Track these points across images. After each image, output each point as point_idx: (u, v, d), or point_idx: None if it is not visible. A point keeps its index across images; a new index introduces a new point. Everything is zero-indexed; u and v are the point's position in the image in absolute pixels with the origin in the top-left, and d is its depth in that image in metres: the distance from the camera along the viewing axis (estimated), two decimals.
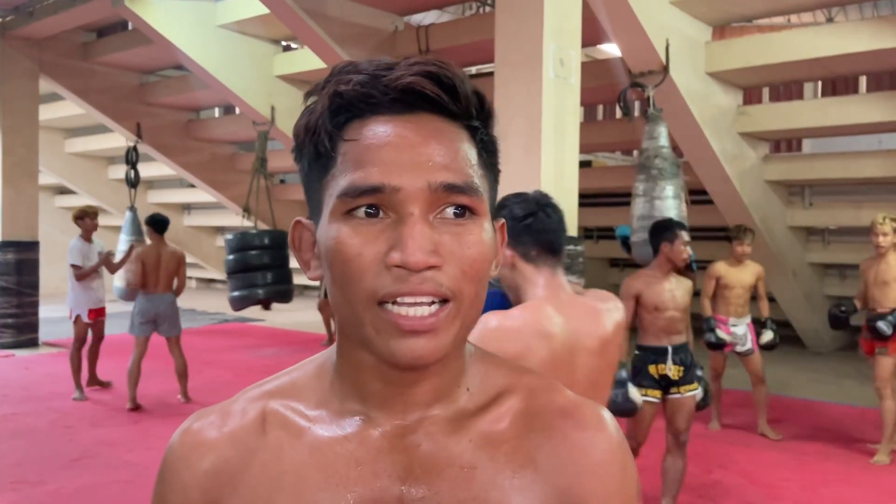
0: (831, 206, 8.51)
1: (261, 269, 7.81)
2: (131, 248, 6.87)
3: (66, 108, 13.08)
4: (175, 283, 6.28)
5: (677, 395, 3.69)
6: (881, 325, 4.64)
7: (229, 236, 8.10)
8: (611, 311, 1.74)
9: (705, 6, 6.66)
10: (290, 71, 9.32)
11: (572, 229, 4.26)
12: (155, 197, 15.87)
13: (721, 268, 5.39)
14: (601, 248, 10.95)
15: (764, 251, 7.99)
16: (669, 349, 3.69)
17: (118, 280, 8.19)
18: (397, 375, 0.64)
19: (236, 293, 7.81)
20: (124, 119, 10.87)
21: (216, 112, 12.84)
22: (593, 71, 7.51)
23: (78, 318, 6.52)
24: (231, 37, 8.89)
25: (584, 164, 10.18)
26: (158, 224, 6.23)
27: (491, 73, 4.51)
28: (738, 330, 5.32)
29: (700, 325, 5.18)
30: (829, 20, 10.69)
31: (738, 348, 5.35)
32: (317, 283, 14.97)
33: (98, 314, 6.62)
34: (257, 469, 0.66)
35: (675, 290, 3.67)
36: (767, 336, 5.30)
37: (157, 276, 6.15)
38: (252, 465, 0.66)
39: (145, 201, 15.41)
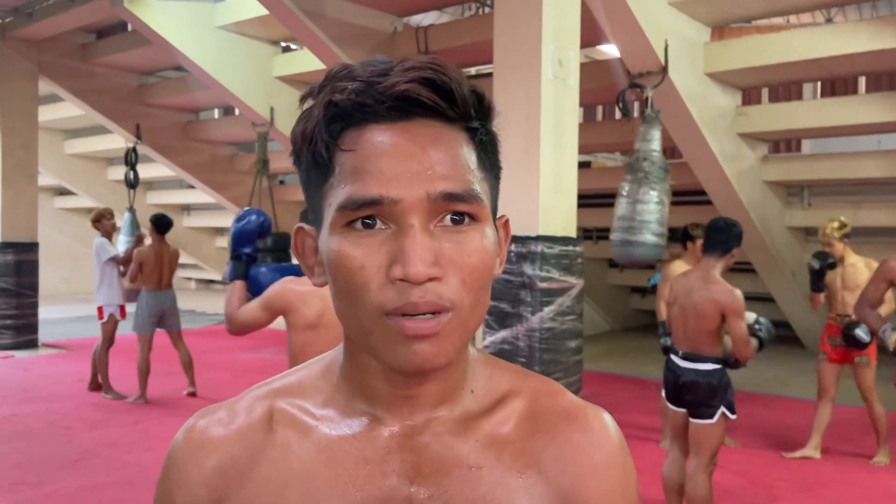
0: (830, 206, 8.51)
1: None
2: (140, 240, 6.96)
3: (66, 110, 13.10)
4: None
5: None
6: (859, 332, 4.40)
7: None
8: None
9: (704, 7, 6.67)
10: (290, 72, 9.33)
11: (571, 230, 4.27)
12: (154, 198, 15.87)
13: (678, 268, 5.13)
14: (600, 248, 10.95)
15: (763, 252, 8.01)
16: None
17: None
18: (403, 379, 0.65)
19: None
20: (123, 120, 10.88)
21: (215, 113, 12.84)
22: (592, 72, 7.51)
23: (111, 316, 6.48)
24: (230, 38, 8.90)
25: (583, 165, 10.19)
26: (162, 225, 6.35)
27: (490, 74, 4.52)
28: None
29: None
30: (828, 21, 10.71)
31: None
32: None
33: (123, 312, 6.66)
34: (265, 467, 0.66)
35: None
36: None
37: (161, 274, 6.33)
38: (260, 463, 0.67)
39: (144, 202, 15.41)
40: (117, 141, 12.45)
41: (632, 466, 0.71)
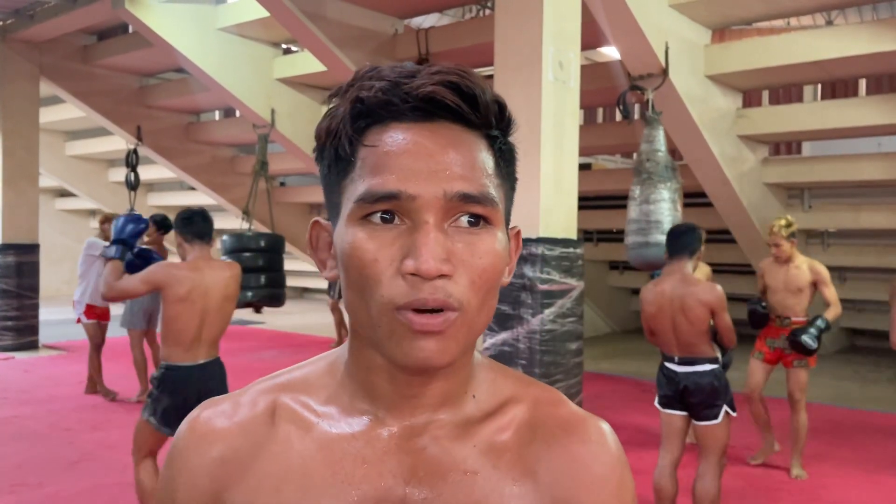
0: (830, 208, 8.51)
1: (254, 271, 7.83)
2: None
3: (67, 111, 13.11)
4: None
5: None
6: (806, 339, 4.34)
7: (225, 238, 8.11)
8: (231, 272, 3.51)
9: (704, 9, 6.67)
10: (290, 74, 9.33)
11: (572, 232, 4.27)
12: (155, 199, 15.88)
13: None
14: (601, 250, 10.95)
15: (763, 254, 8.00)
16: None
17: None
18: (406, 378, 0.66)
19: None
20: (124, 122, 10.88)
21: (216, 115, 12.85)
22: (593, 74, 7.52)
23: (79, 318, 6.50)
24: (231, 40, 8.90)
25: (583, 167, 10.19)
26: (165, 226, 6.35)
27: (490, 76, 4.52)
28: None
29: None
30: (829, 23, 10.72)
31: None
32: (318, 286, 14.99)
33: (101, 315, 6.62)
34: (265, 460, 0.67)
35: None
36: None
37: None
38: (260, 456, 0.68)
39: (145, 204, 15.42)
40: (118, 142, 12.45)
41: (629, 480, 0.71)
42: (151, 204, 15.72)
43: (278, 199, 11.80)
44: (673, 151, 7.51)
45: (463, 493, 0.65)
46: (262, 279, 7.82)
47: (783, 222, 4.54)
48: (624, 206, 5.74)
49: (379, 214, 0.61)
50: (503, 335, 4.11)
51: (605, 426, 0.72)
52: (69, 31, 9.43)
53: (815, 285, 4.55)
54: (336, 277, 0.67)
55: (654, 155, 5.58)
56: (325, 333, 10.51)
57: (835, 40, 6.64)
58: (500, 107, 0.66)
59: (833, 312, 4.45)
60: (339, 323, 9.29)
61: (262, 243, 7.93)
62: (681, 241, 3.55)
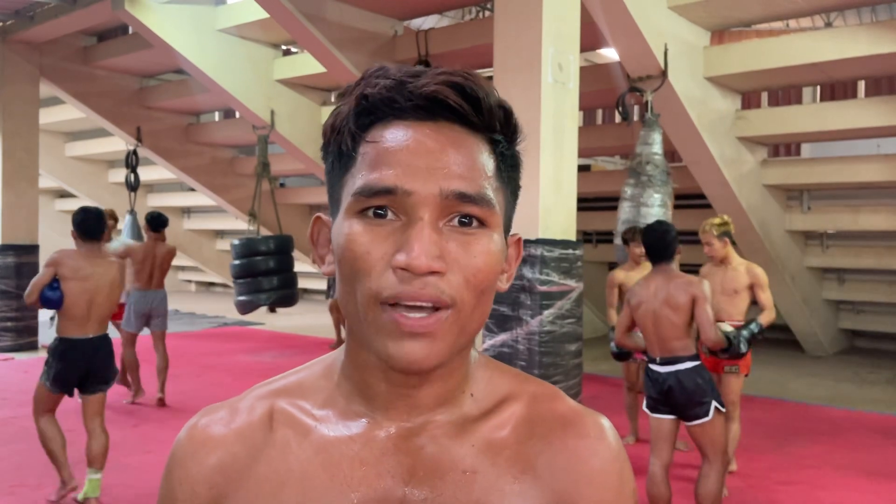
0: (829, 210, 8.52)
1: (267, 274, 7.91)
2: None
3: (67, 112, 13.11)
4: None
5: None
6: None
7: (236, 241, 8.15)
8: (116, 265, 4.12)
9: (704, 11, 6.68)
10: (290, 75, 9.34)
11: (571, 233, 4.28)
12: (155, 200, 15.88)
13: (620, 275, 5.02)
14: (600, 251, 10.96)
15: (762, 255, 8.01)
16: None
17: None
18: (401, 378, 0.66)
19: (242, 298, 7.94)
20: (124, 123, 10.89)
21: (216, 116, 12.86)
22: (592, 75, 7.52)
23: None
24: (231, 41, 8.91)
25: (582, 168, 10.20)
26: (156, 223, 6.33)
27: (490, 78, 4.53)
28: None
29: None
30: (828, 25, 10.72)
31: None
32: (318, 287, 14.99)
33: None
34: (263, 466, 0.67)
35: None
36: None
37: (152, 273, 6.27)
38: (258, 462, 0.68)
39: (145, 205, 15.41)
40: (118, 143, 12.46)
41: (629, 474, 0.71)
42: (151, 205, 15.71)
43: (278, 200, 11.80)
44: (672, 153, 7.54)
45: (463, 492, 0.65)
46: (275, 281, 7.92)
47: (716, 221, 4.37)
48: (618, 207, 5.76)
49: (374, 209, 0.62)
50: (502, 336, 4.11)
51: (604, 421, 0.72)
52: (69, 32, 9.43)
53: (752, 288, 4.37)
54: (333, 272, 0.67)
55: (652, 157, 5.59)
56: (325, 334, 10.51)
57: (834, 42, 6.65)
58: (506, 112, 0.66)
59: (768, 317, 4.27)
60: (338, 323, 9.30)
61: (273, 245, 8.02)
62: (660, 243, 3.53)
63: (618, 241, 5.50)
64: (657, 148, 5.64)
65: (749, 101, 8.32)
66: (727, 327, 3.74)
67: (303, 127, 9.41)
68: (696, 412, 3.44)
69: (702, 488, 3.51)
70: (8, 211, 9.19)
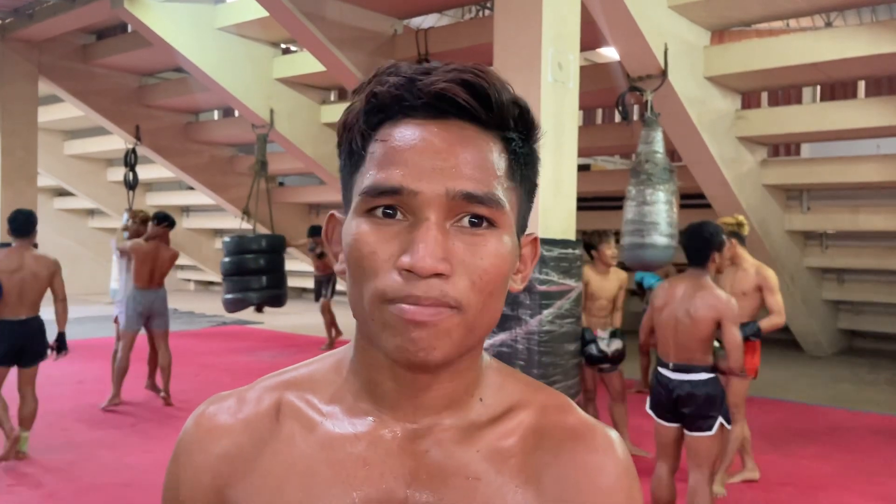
0: (829, 210, 8.52)
1: (256, 272, 7.84)
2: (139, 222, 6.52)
3: (66, 111, 13.10)
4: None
5: None
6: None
7: (227, 239, 8.11)
8: (43, 260, 4.90)
9: (704, 11, 6.68)
10: (289, 74, 9.34)
11: (570, 233, 4.27)
12: (154, 199, 15.87)
13: (589, 274, 4.85)
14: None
15: (762, 255, 8.01)
16: None
17: (114, 282, 8.15)
18: (409, 377, 0.65)
19: (230, 296, 7.84)
20: (123, 121, 10.89)
21: (215, 115, 12.85)
22: (592, 75, 7.52)
23: (116, 319, 6.30)
24: (230, 39, 8.90)
25: (582, 168, 10.19)
26: (163, 220, 6.28)
27: None
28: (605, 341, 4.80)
29: None
30: (828, 25, 10.72)
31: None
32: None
33: None
34: (268, 458, 0.67)
35: None
36: (616, 344, 4.79)
37: (152, 272, 6.22)
38: (264, 454, 0.68)
39: (144, 203, 15.41)
40: (117, 142, 12.45)
41: (638, 491, 0.69)
42: (150, 203, 15.71)
43: (277, 199, 11.80)
44: (672, 153, 7.53)
45: (465, 498, 0.64)
46: (264, 280, 7.84)
47: (728, 220, 4.30)
48: (623, 208, 5.75)
49: (382, 209, 0.61)
50: (501, 336, 4.11)
51: (614, 434, 0.70)
52: (68, 30, 9.43)
53: (761, 291, 4.27)
54: (345, 271, 0.66)
55: (653, 156, 5.58)
56: (324, 334, 10.51)
57: (834, 42, 6.65)
58: (521, 109, 0.65)
59: (773, 321, 4.18)
60: (330, 324, 9.29)
61: (264, 244, 7.95)
62: (698, 250, 3.36)
63: (625, 241, 5.48)
64: (658, 146, 5.64)
65: (749, 100, 8.32)
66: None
67: (302, 126, 9.40)
68: (701, 425, 3.33)
69: (697, 502, 3.41)
70: (7, 209, 9.16)
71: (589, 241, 4.86)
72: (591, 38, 6.02)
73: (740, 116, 7.65)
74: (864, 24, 7.43)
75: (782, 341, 9.79)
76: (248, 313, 9.00)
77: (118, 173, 13.06)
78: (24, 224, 4.87)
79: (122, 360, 6.11)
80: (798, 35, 7.44)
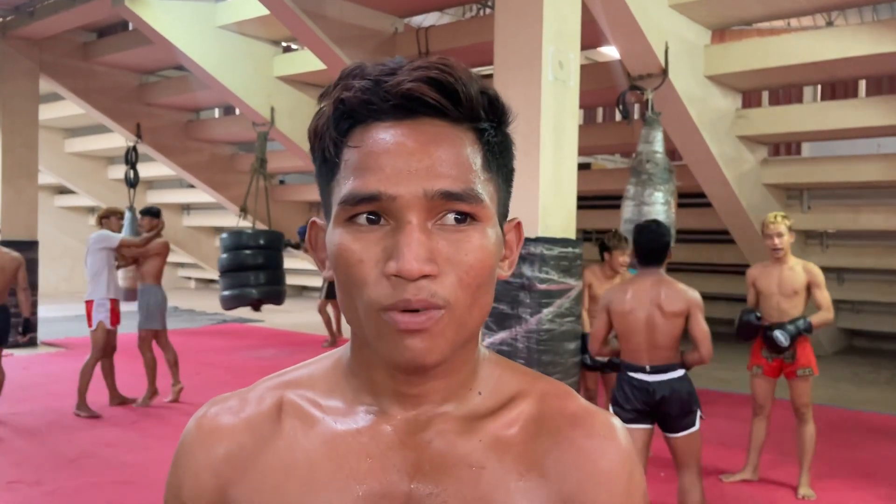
0: (830, 209, 8.52)
1: (254, 269, 7.80)
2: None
3: (66, 108, 13.10)
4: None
5: None
6: (777, 334, 4.07)
7: (224, 235, 8.09)
8: (14, 259, 5.80)
9: (704, 9, 6.67)
10: (290, 72, 9.33)
11: (571, 231, 4.27)
12: (154, 197, 15.88)
13: (592, 278, 4.78)
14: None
15: (762, 254, 8.01)
16: None
17: (121, 280, 8.09)
18: (404, 376, 0.66)
19: (227, 292, 7.79)
20: (124, 119, 10.88)
21: (216, 113, 12.85)
22: (593, 73, 7.52)
23: (100, 323, 5.88)
24: (231, 37, 8.90)
25: (583, 167, 10.19)
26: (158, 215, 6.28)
27: (490, 76, 4.52)
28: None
29: None
30: (829, 24, 10.71)
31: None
32: (316, 284, 14.99)
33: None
34: (269, 456, 0.68)
35: None
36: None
37: (163, 268, 6.30)
38: (265, 452, 0.68)
39: (145, 201, 15.41)
40: (118, 140, 12.45)
41: (640, 476, 0.70)
42: (151, 201, 15.71)
43: (278, 198, 11.80)
44: (672, 152, 7.53)
45: (468, 487, 0.65)
46: (262, 277, 7.80)
47: (781, 213, 4.24)
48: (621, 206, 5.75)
49: (364, 216, 0.61)
50: (501, 335, 4.11)
51: (615, 420, 0.71)
52: (69, 28, 9.42)
53: (810, 288, 4.23)
54: (333, 277, 0.67)
55: (653, 156, 5.58)
56: (324, 332, 10.51)
57: (835, 41, 6.64)
58: (490, 98, 0.64)
59: (823, 317, 4.15)
60: (328, 323, 9.31)
61: (262, 240, 7.91)
62: (663, 249, 3.38)
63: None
64: (658, 146, 5.63)
65: (750, 99, 8.32)
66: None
67: (303, 124, 9.39)
68: (686, 422, 3.31)
69: (690, 501, 3.39)
70: (8, 207, 9.19)
71: (605, 242, 4.79)
72: (591, 36, 6.02)
73: (741, 115, 7.65)
74: (865, 24, 7.43)
75: None
76: (249, 311, 9.00)
77: (119, 171, 13.06)
78: None
79: (153, 359, 6.13)
80: (799, 34, 7.44)
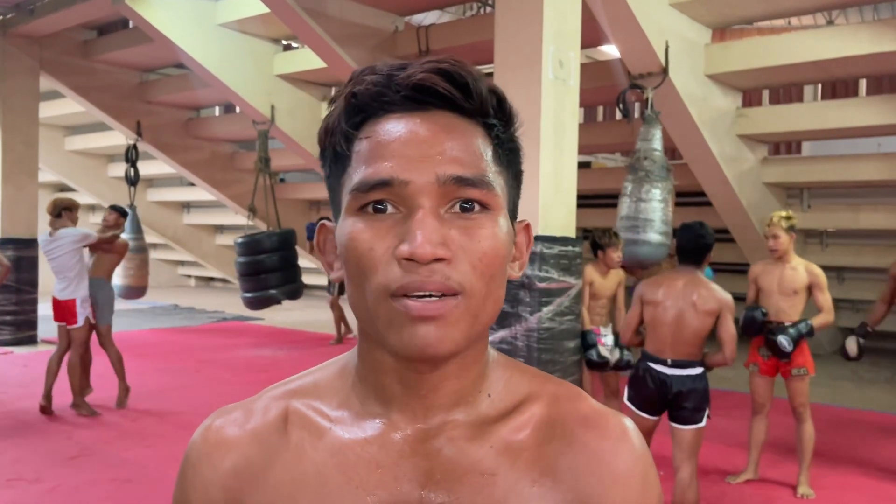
0: (829, 208, 8.52)
1: (273, 270, 8.02)
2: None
3: (66, 106, 13.09)
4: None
5: None
6: (782, 339, 4.08)
7: (239, 239, 8.17)
8: None
9: (705, 8, 6.67)
10: (291, 70, 9.34)
11: (571, 230, 4.27)
12: (154, 195, 15.87)
13: (593, 274, 4.78)
14: None
15: (762, 254, 8.01)
16: None
17: (118, 278, 8.10)
18: (416, 378, 0.64)
19: (250, 295, 8.07)
20: (124, 117, 10.88)
21: (216, 111, 12.85)
22: (593, 72, 7.52)
23: (86, 319, 5.79)
24: (231, 35, 8.90)
25: (583, 165, 10.19)
26: (126, 214, 6.24)
27: (490, 75, 4.52)
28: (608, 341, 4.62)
29: None
30: (830, 23, 10.71)
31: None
32: (316, 283, 14.99)
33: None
34: (279, 469, 0.66)
35: None
36: (624, 355, 4.64)
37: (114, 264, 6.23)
38: (274, 465, 0.67)
39: (145, 199, 15.42)
40: (118, 138, 12.45)
41: (654, 477, 0.69)
42: (151, 200, 15.73)
43: (278, 196, 11.77)
44: (672, 150, 7.53)
45: (481, 494, 0.63)
46: (283, 276, 8.08)
47: (783, 213, 4.25)
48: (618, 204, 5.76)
49: (373, 205, 0.61)
50: (501, 333, 4.11)
51: (628, 422, 0.70)
52: (69, 25, 9.41)
53: (811, 289, 4.23)
54: (342, 278, 0.66)
55: (651, 154, 5.59)
56: (325, 330, 10.51)
57: (835, 40, 6.64)
58: (499, 98, 0.65)
59: (824, 319, 4.14)
60: (339, 319, 9.30)
61: (276, 241, 8.10)
62: (703, 250, 3.47)
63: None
64: (656, 144, 5.64)
65: (750, 98, 8.32)
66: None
67: (303, 122, 9.40)
68: (695, 417, 3.42)
69: (690, 498, 3.42)
70: (8, 205, 9.19)
71: (597, 240, 4.80)
72: (591, 35, 6.02)
73: (741, 114, 7.65)
74: (865, 23, 7.43)
75: None
76: (249, 309, 9.00)
77: (119, 169, 13.07)
78: None
79: (117, 353, 5.98)
80: (799, 33, 7.44)
